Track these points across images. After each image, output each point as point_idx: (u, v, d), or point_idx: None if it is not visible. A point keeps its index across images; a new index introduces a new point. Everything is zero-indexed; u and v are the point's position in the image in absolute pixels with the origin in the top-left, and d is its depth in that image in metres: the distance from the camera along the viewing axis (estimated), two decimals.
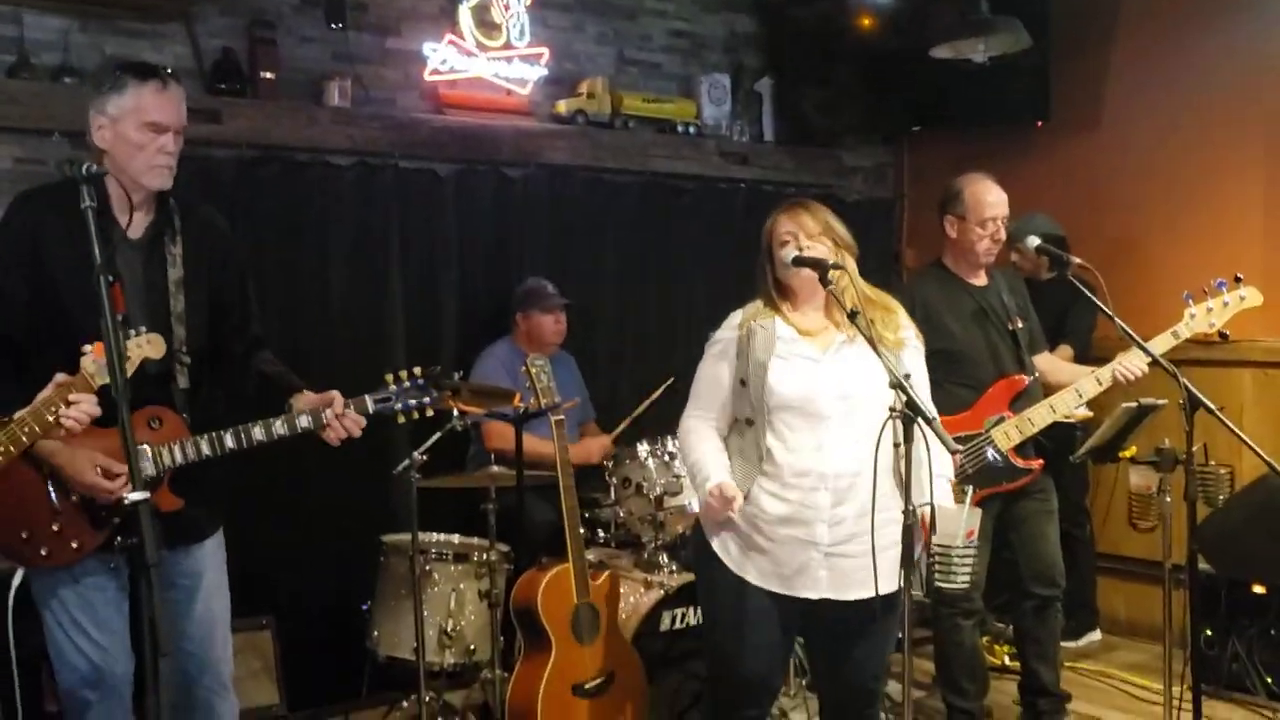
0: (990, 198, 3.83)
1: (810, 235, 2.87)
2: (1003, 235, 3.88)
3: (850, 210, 5.92)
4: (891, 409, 2.52)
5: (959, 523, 2.53)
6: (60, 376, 2.24)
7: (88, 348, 2.24)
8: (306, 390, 2.83)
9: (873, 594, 2.67)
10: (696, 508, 3.18)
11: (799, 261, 2.83)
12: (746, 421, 2.88)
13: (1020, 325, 3.90)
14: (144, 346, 2.39)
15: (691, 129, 5.50)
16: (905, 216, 6.34)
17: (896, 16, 5.45)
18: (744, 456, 2.88)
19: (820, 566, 2.79)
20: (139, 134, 2.65)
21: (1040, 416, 3.76)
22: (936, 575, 2.53)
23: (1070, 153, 5.48)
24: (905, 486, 2.57)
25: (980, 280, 3.94)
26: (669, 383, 4.51)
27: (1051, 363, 4.08)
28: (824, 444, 2.79)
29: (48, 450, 2.52)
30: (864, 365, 2.80)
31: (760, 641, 2.89)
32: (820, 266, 2.79)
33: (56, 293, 2.62)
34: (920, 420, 2.46)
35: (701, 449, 2.93)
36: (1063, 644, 5.05)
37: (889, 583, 2.62)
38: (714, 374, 2.95)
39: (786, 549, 2.81)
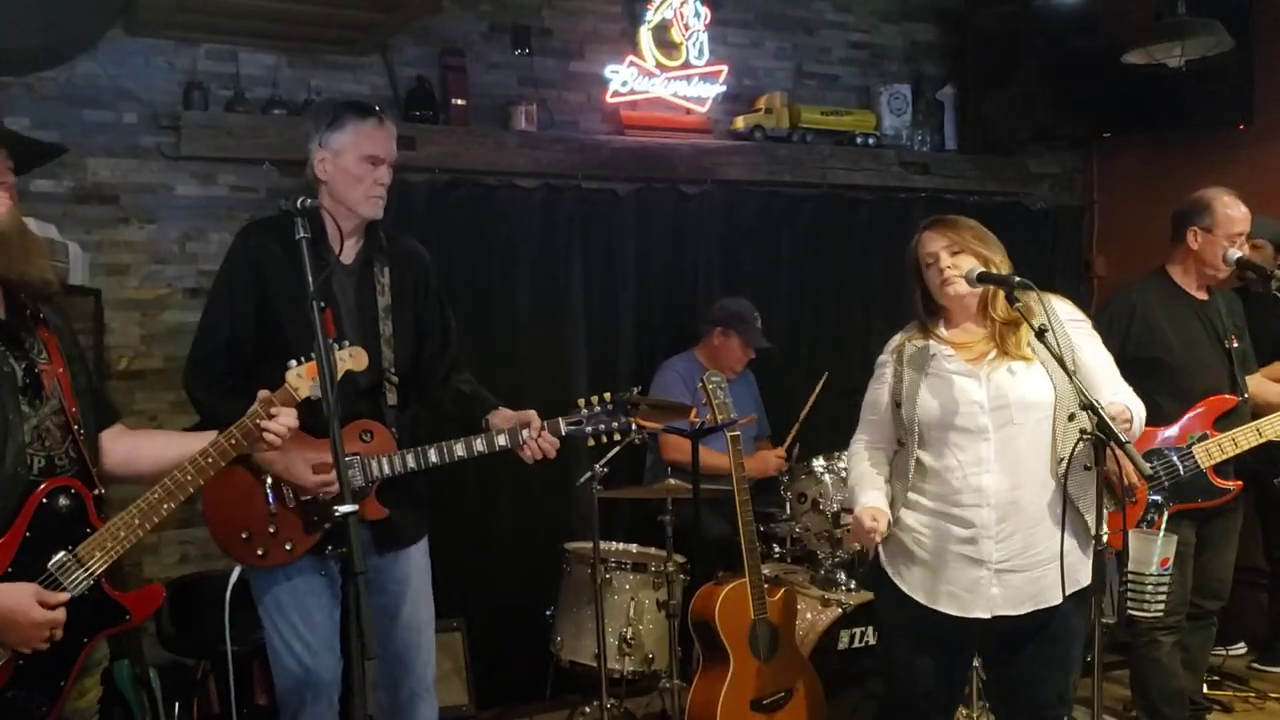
0: (1238, 213, 3.77)
1: (953, 252, 2.80)
2: (1246, 251, 3.81)
3: (1036, 219, 5.80)
4: (1083, 432, 2.46)
5: (1153, 550, 2.45)
6: (263, 393, 2.39)
7: (293, 362, 2.39)
8: (502, 407, 2.97)
9: (1043, 607, 2.70)
10: None
11: (984, 279, 2.77)
12: (899, 442, 2.89)
13: (1236, 345, 3.81)
14: (347, 360, 2.53)
15: (870, 140, 5.46)
16: (1095, 225, 6.11)
17: (1085, 19, 5.27)
18: (900, 476, 2.88)
19: (991, 584, 2.74)
20: (358, 166, 2.85)
21: (1246, 438, 3.62)
22: (1129, 603, 2.47)
23: (1275, 157, 5.19)
24: (1096, 511, 2.52)
25: (1203, 295, 3.87)
26: (824, 379, 4.52)
27: (1260, 384, 3.92)
28: (984, 459, 2.73)
29: (267, 459, 2.72)
30: (1026, 379, 2.74)
31: (931, 662, 2.86)
32: (1005, 284, 2.73)
33: (276, 314, 2.83)
34: (1112, 443, 2.40)
35: (858, 470, 2.96)
36: (1268, 669, 4.86)
37: (1057, 594, 2.69)
38: (874, 398, 2.97)
39: (955, 568, 2.77)
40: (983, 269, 2.77)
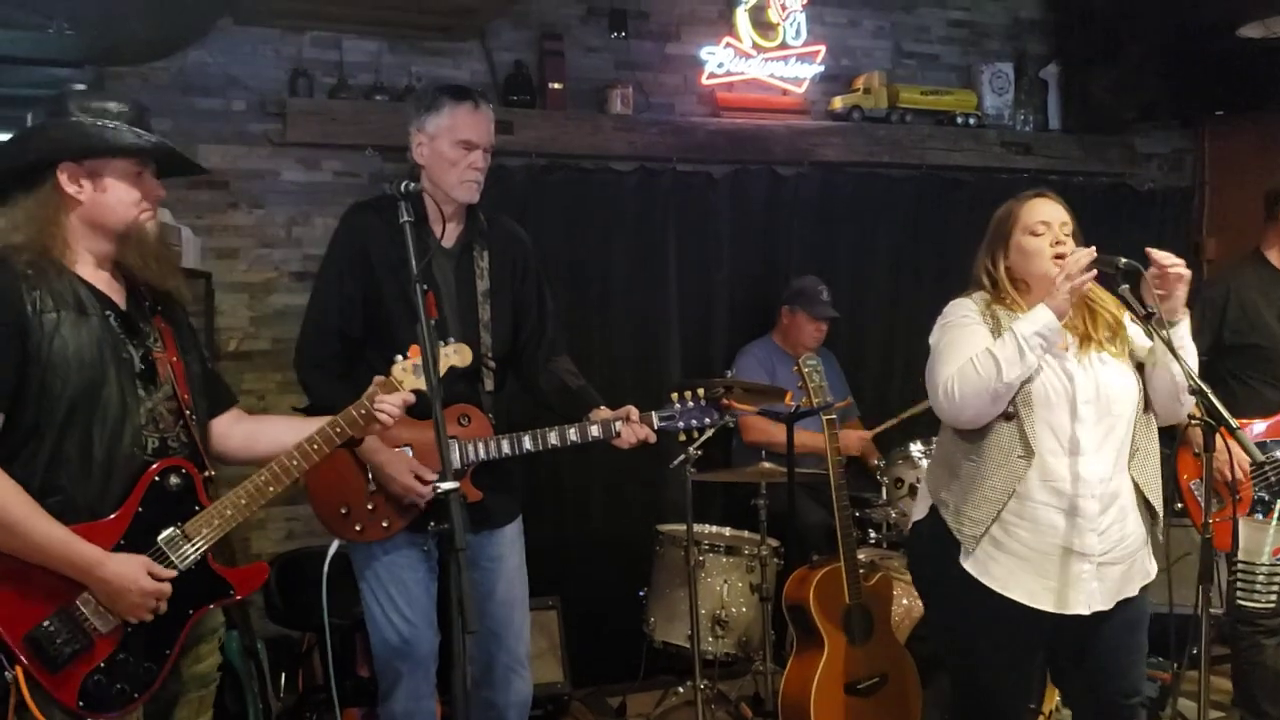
0: None
1: (1066, 233, 2.72)
2: None
3: (1144, 200, 5.65)
4: (1192, 417, 2.40)
5: (1265, 540, 2.38)
6: (379, 379, 2.44)
7: (399, 357, 2.43)
8: (604, 407, 2.97)
9: (1131, 599, 2.64)
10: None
11: (1096, 263, 2.70)
12: (1004, 416, 2.64)
13: None
14: (451, 356, 2.58)
15: (971, 120, 5.36)
16: (1206, 206, 5.92)
17: None
18: (1004, 453, 2.64)
19: (1093, 578, 2.63)
20: (453, 150, 2.87)
21: None
22: (1239, 593, 2.40)
23: None
24: (1205, 497, 2.45)
25: None
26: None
27: None
28: (1084, 448, 2.63)
29: (370, 449, 2.79)
30: (1117, 371, 2.68)
31: (1021, 664, 2.75)
32: (1114, 265, 2.64)
33: (381, 295, 2.88)
34: (1225, 428, 2.34)
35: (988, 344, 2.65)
36: None
37: (1136, 584, 2.66)
38: (973, 336, 2.70)
39: (1056, 562, 2.63)
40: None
